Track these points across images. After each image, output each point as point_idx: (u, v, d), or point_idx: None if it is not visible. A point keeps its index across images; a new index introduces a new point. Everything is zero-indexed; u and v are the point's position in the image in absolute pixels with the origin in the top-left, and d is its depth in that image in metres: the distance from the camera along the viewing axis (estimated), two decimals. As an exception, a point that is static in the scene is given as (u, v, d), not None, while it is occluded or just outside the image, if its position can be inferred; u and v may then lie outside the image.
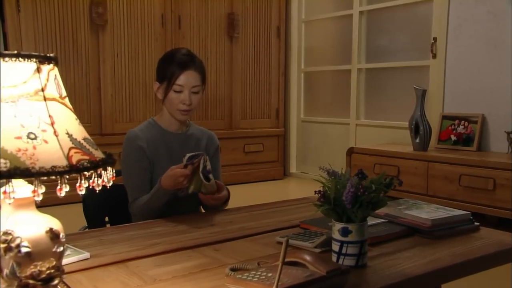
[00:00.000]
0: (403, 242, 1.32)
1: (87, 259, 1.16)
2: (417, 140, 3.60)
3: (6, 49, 3.64)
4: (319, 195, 1.15)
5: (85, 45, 3.84)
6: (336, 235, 1.13)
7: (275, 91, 5.00)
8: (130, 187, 1.73)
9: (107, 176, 0.72)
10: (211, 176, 1.60)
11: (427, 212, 1.44)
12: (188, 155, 1.55)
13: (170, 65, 1.73)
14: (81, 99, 3.87)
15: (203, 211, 1.87)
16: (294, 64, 5.14)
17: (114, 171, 0.76)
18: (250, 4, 4.70)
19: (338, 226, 1.13)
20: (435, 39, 3.87)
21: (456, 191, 3.25)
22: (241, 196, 4.31)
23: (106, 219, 1.89)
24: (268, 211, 1.72)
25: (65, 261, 1.11)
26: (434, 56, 3.89)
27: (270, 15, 4.87)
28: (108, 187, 0.74)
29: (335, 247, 1.14)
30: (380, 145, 4.04)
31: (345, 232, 1.12)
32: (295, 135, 5.21)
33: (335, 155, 4.66)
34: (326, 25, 4.96)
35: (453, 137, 3.69)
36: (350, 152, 3.92)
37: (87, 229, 1.78)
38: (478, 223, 1.47)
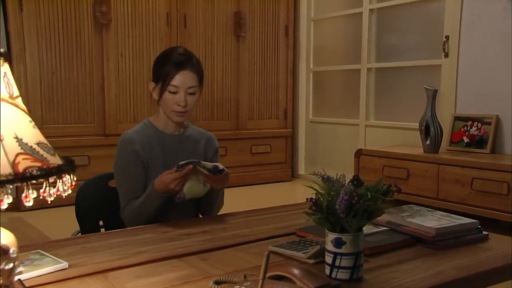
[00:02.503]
0: (405, 252, 1.24)
1: (64, 269, 1.10)
2: (428, 142, 3.50)
3: (8, 48, 3.62)
4: (311, 202, 1.07)
5: (88, 44, 3.80)
6: (329, 246, 1.06)
7: (283, 91, 4.92)
8: (122, 193, 1.67)
9: (63, 186, 0.65)
10: (220, 165, 1.52)
11: (431, 220, 1.35)
12: (180, 163, 1.50)
13: (166, 65, 1.67)
14: (85, 99, 3.83)
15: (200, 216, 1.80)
16: (302, 63, 5.06)
17: (73, 178, 0.69)
18: (257, 2, 4.62)
19: (331, 236, 1.05)
20: (447, 37, 3.76)
21: (468, 195, 3.14)
22: (247, 198, 4.25)
23: (101, 223, 1.84)
24: (266, 216, 1.65)
25: (41, 271, 1.06)
26: (446, 55, 3.77)
27: (278, 14, 4.79)
28: (64, 197, 0.67)
29: (328, 259, 1.06)
30: (390, 146, 3.94)
31: (338, 243, 1.04)
32: (303, 136, 5.13)
33: (344, 156, 4.57)
34: (335, 23, 4.87)
35: (465, 139, 3.57)
36: (359, 154, 3.83)
37: (78, 234, 1.73)
38: (486, 233, 1.37)
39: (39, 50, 3.61)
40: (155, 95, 1.71)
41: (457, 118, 3.65)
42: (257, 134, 4.74)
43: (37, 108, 3.63)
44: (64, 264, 1.10)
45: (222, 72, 4.51)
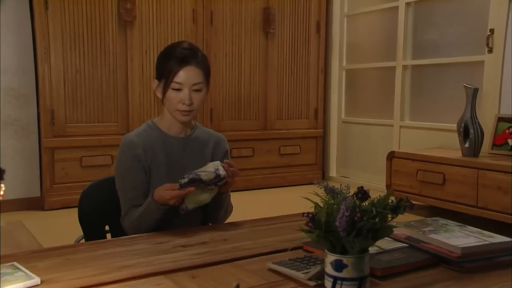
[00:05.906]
0: (423, 275, 1.08)
1: (36, 285, 0.99)
2: (467, 145, 3.25)
3: (34, 46, 3.62)
4: (308, 218, 0.92)
5: (112, 42, 3.76)
6: (329, 269, 0.91)
7: (314, 89, 4.75)
8: (123, 200, 1.58)
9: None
10: (221, 173, 1.45)
11: (457, 237, 1.18)
12: (182, 182, 1.41)
13: (169, 61, 1.56)
14: (108, 97, 3.79)
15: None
16: (335, 61, 4.87)
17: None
18: (287, -3, 4.49)
19: (330, 257, 0.91)
20: (492, 30, 3.50)
21: None
22: (272, 201, 4.11)
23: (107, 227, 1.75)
24: (274, 226, 1.52)
25: None
26: (490, 51, 3.52)
27: (309, 9, 4.63)
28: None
29: (328, 283, 0.92)
30: (425, 149, 3.71)
31: (338, 266, 0.90)
32: (335, 137, 4.95)
33: (377, 158, 4.37)
34: (370, 19, 4.67)
35: (510, 142, 3.30)
36: (391, 156, 3.62)
37: (82, 240, 1.64)
38: (524, 253, 1.18)
39: (64, 48, 3.60)
40: (159, 94, 1.61)
41: (501, 119, 3.39)
42: (286, 134, 4.60)
43: (61, 107, 3.62)
44: (36, 280, 1.00)
45: (250, 70, 4.39)
